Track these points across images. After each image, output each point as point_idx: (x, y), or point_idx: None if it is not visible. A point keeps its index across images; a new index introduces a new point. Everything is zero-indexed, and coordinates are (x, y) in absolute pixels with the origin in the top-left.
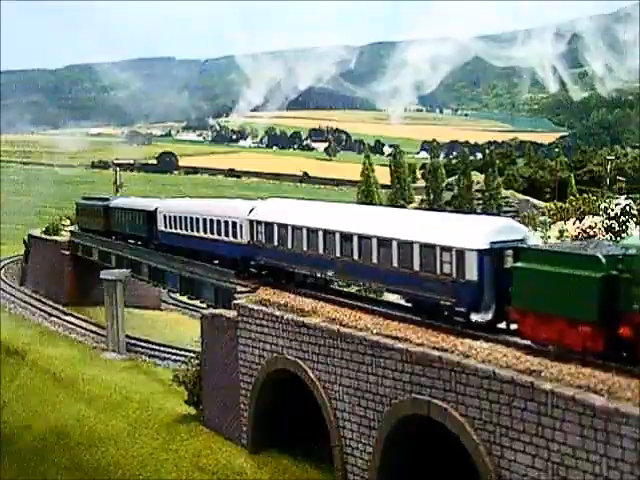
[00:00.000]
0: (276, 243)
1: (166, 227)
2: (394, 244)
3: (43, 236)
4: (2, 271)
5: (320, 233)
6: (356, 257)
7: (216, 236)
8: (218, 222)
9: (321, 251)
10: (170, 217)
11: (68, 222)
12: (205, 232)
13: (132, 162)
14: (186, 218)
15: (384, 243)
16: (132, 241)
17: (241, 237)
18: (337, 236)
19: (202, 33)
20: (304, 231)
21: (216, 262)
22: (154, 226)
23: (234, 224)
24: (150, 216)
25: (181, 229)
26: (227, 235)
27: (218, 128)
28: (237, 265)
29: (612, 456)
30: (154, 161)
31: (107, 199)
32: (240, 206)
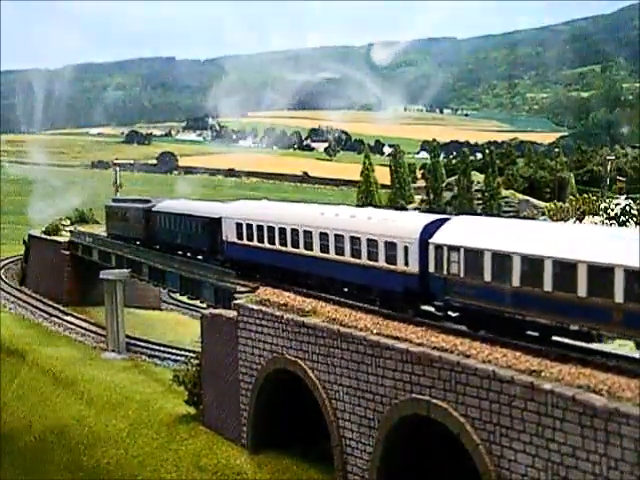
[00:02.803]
0: (489, 278)
1: (240, 238)
2: None
3: (43, 236)
4: (2, 271)
5: (583, 268)
6: None
7: (348, 258)
8: (354, 240)
9: (583, 293)
10: (247, 226)
11: (68, 222)
12: (324, 251)
13: (132, 162)
14: (282, 230)
15: None
16: (182, 253)
17: (406, 264)
18: (620, 274)
19: (202, 33)
20: (548, 264)
21: (345, 290)
22: (218, 237)
23: (392, 245)
24: (213, 224)
25: (271, 243)
26: (374, 259)
27: (218, 128)
28: (394, 300)
29: (612, 456)
30: (154, 161)
31: (148, 201)
32: (401, 221)
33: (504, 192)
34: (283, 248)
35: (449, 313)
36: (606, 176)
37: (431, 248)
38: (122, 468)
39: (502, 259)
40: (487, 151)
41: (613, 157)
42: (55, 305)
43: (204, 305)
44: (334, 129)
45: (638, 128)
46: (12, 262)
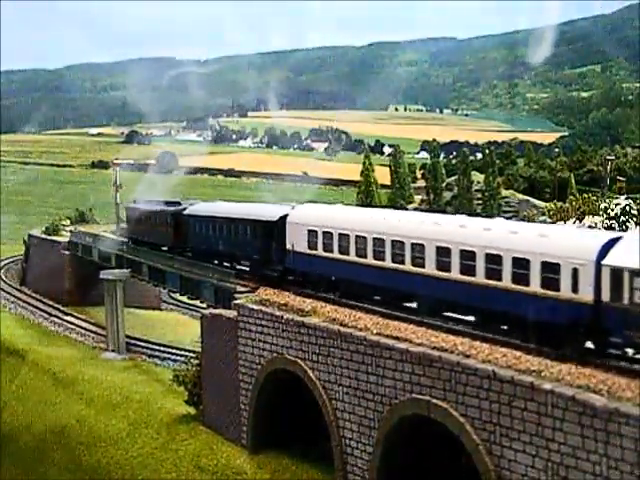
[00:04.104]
0: None
1: (313, 248)
2: None
3: (43, 236)
4: (2, 271)
5: None
6: None
7: (480, 279)
8: (491, 258)
9: None
10: (324, 234)
11: (68, 222)
12: (443, 269)
13: (132, 162)
14: (378, 241)
15: None
16: (220, 261)
17: (574, 291)
18: None
19: (202, 33)
20: None
21: (473, 319)
22: (273, 244)
23: (553, 267)
24: (269, 229)
25: (361, 256)
26: (522, 282)
27: (218, 128)
28: (551, 334)
29: (612, 456)
30: (154, 161)
31: (177, 203)
32: (568, 237)
33: (504, 192)
34: (379, 263)
35: (628, 351)
36: (606, 176)
37: (605, 271)
38: (122, 468)
39: None
40: (487, 151)
41: (613, 157)
42: (55, 305)
43: (204, 305)
44: (334, 129)
45: (638, 128)
46: (12, 262)
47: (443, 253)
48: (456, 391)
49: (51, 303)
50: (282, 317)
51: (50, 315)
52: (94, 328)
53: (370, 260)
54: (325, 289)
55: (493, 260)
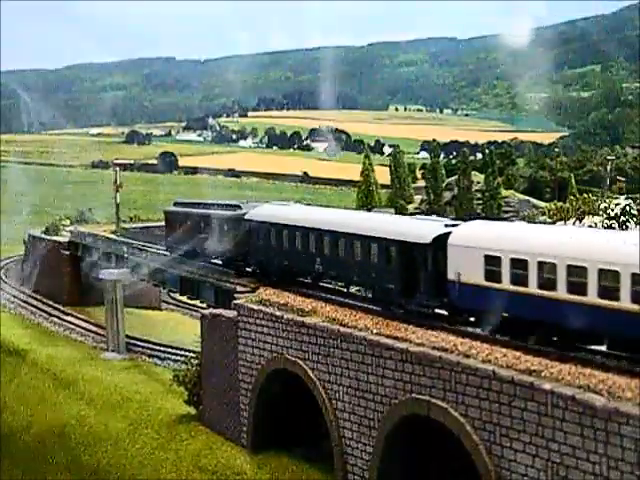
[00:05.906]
0: None
1: (494, 280)
2: None
3: (43, 236)
4: (2, 271)
5: None
6: None
7: None
8: None
9: None
10: (513, 262)
11: (68, 222)
12: None
13: (132, 162)
14: (606, 274)
15: None
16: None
17: None
18: None
19: (202, 33)
20: None
21: None
22: (424, 271)
23: None
24: (416, 252)
25: (577, 293)
26: None
27: (218, 128)
28: None
29: (612, 456)
30: (154, 161)
31: (237, 206)
32: None
33: (504, 192)
34: (609, 303)
35: None
36: (606, 176)
37: None
38: (122, 468)
39: None
40: (487, 151)
41: (613, 157)
42: (55, 305)
43: (204, 305)
44: (334, 129)
45: (638, 128)
46: (12, 262)
47: None
48: (456, 391)
49: (51, 303)
50: (282, 317)
51: (50, 315)
52: (94, 328)
53: (592, 298)
54: (512, 333)
55: None
